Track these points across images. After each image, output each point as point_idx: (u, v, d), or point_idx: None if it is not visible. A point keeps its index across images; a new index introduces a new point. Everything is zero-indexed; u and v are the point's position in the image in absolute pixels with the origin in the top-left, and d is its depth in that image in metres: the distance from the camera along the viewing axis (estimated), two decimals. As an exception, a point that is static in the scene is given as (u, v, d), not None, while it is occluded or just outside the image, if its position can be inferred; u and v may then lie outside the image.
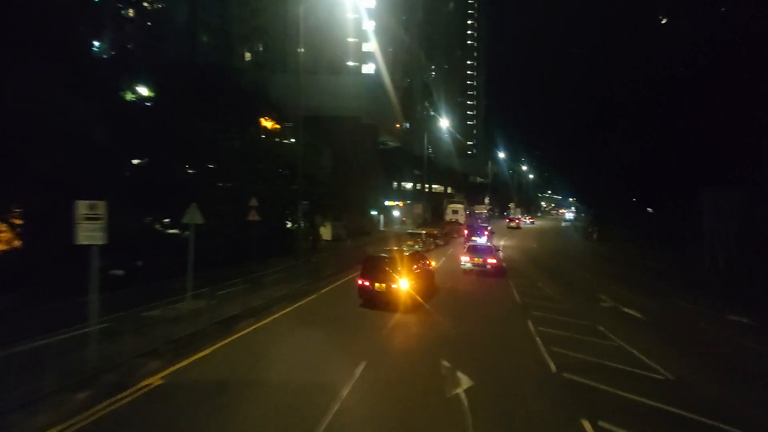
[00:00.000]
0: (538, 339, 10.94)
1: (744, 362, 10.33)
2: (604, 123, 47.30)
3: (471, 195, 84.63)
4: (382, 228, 56.12)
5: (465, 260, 21.04)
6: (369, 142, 49.84)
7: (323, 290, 16.55)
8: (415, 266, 14.35)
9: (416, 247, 25.60)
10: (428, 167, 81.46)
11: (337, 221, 39.58)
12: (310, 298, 15.17)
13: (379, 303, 13.37)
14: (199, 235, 20.92)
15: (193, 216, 12.19)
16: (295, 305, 13.98)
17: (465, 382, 8.12)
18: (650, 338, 11.57)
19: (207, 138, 22.57)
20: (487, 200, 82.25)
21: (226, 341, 10.26)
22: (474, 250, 21.68)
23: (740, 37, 26.77)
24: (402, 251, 14.77)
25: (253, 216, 18.69)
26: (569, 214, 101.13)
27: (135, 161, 21.56)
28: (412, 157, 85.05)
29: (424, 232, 27.41)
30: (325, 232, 36.28)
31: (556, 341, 10.73)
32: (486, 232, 31.29)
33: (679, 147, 33.67)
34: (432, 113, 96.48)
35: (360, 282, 13.72)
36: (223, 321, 11.61)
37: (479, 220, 49.65)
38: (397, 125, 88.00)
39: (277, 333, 11.16)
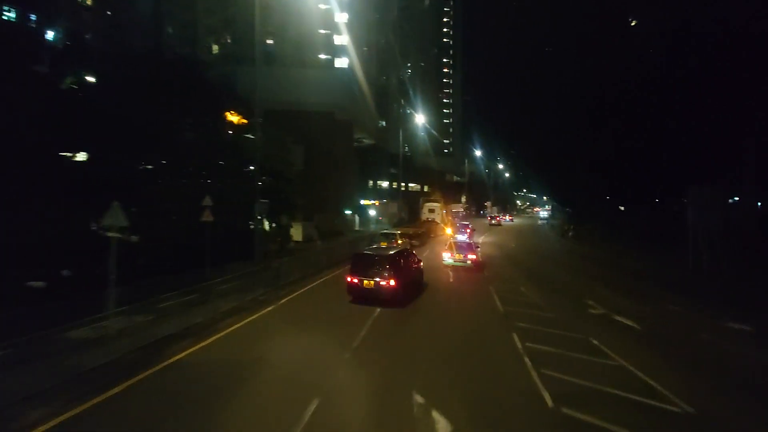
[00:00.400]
0: (526, 359, 9.28)
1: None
2: (583, 120, 46.77)
3: (448, 194, 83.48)
4: (357, 228, 54.37)
5: (446, 256, 22.34)
6: (343, 139, 47.89)
7: (282, 300, 14.56)
8: (404, 264, 14.58)
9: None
10: (405, 165, 79.98)
11: (309, 221, 37.58)
12: (266, 310, 13.19)
13: (367, 299, 13.52)
14: (149, 238, 18.57)
15: (116, 217, 10.08)
16: (246, 320, 11.99)
17: (442, 427, 6.38)
18: (652, 355, 10.08)
19: (160, 130, 20.29)
20: (464, 199, 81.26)
21: (148, 373, 8.20)
22: (455, 247, 22.73)
23: (728, 37, 26.07)
24: (391, 249, 15.28)
25: (207, 216, 16.59)
26: (544, 213, 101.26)
27: (77, 155, 19.21)
28: (389, 156, 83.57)
29: (398, 232, 25.65)
30: (296, 233, 34.23)
31: (547, 361, 9.11)
32: (468, 230, 32.80)
33: (660, 145, 33.06)
34: (408, 111, 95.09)
35: (349, 279, 13.84)
36: (154, 344, 9.55)
37: (459, 218, 49.25)
38: (381, 123, 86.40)
39: (217, 360, 9.16)
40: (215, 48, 53.86)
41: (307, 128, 39.75)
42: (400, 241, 25.21)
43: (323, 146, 41.06)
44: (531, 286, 18.11)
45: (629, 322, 12.58)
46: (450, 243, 23.97)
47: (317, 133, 40.33)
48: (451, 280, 19.28)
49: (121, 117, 18.19)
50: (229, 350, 9.75)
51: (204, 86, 32.81)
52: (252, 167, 25.43)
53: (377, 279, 13.29)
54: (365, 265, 13.75)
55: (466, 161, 79.29)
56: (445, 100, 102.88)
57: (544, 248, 34.21)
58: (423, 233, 32.92)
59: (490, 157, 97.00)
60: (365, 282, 13.41)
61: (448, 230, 35.26)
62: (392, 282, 13.18)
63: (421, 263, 17.48)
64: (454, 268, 21.58)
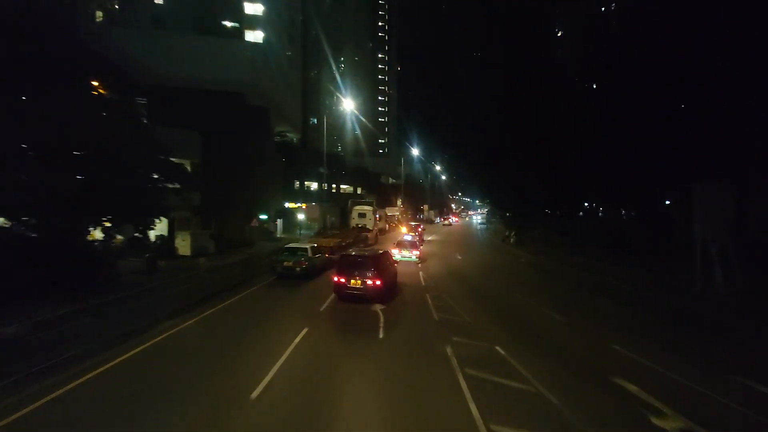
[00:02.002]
0: None
1: None
2: (523, 116, 42.33)
3: (383, 196, 77.35)
4: (280, 235, 46.47)
5: (395, 252, 23.39)
6: (259, 129, 39.44)
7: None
8: (386, 264, 15.17)
9: (297, 269, 16.68)
10: (336, 165, 72.81)
11: (204, 229, 29.04)
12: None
13: (353, 298, 13.81)
14: None
15: None
16: None
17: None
18: None
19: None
20: (399, 202, 75.34)
21: None
22: (402, 245, 25.19)
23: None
24: (375, 252, 15.65)
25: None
26: (478, 217, 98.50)
27: None
28: (320, 155, 75.89)
29: (308, 246, 18.03)
30: (183, 245, 25.68)
31: None
32: (420, 229, 36.55)
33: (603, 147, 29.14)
34: (341, 108, 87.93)
35: (336, 279, 13.98)
36: None
37: (397, 221, 49.23)
38: (312, 120, 78.38)
39: None
40: (99, 14, 43.20)
41: (208, 112, 31.21)
42: (310, 257, 17.88)
43: (231, 136, 32.67)
44: (510, 340, 11.46)
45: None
46: (398, 241, 26.08)
47: (223, 120, 31.91)
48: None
49: None
50: None
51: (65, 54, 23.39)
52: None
53: (364, 279, 13.67)
54: (351, 265, 14.08)
55: (402, 162, 73.44)
56: (380, 98, 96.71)
57: (496, 261, 28.09)
58: (350, 244, 25.52)
59: (427, 158, 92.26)
60: (352, 281, 13.76)
61: (404, 230, 37.74)
62: (378, 282, 13.69)
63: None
64: (401, 263, 22.25)
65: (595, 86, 36.58)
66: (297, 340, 10.09)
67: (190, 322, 11.64)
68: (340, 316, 12.53)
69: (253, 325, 11.47)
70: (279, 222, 49.03)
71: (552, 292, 17.41)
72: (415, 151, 78.45)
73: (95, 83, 26.97)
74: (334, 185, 66.96)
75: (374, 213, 34.31)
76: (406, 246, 24.67)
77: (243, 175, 33.87)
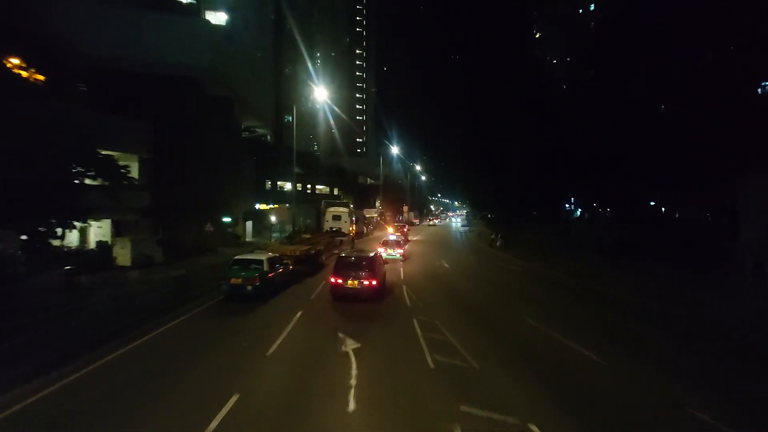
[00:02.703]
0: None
1: None
2: (513, 112, 39.53)
3: (361, 197, 73.65)
4: (249, 239, 42.33)
5: (381, 251, 22.21)
6: (223, 123, 35.26)
7: None
8: (378, 265, 15.44)
9: (248, 288, 12.88)
10: (312, 165, 68.75)
11: (153, 235, 24.86)
12: None
13: (350, 298, 14.05)
14: None
15: None
16: None
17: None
18: None
19: None
20: (378, 203, 71.77)
21: None
22: (387, 243, 26.20)
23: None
24: (368, 254, 15.81)
25: None
26: (457, 219, 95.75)
27: None
28: (298, 154, 71.73)
29: (264, 258, 14.09)
30: (123, 254, 21.49)
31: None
32: (405, 230, 38.12)
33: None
34: (317, 106, 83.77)
35: (333, 280, 14.22)
36: None
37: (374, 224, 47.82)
38: (287, 118, 73.96)
39: None
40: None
41: (162, 100, 26.98)
42: (266, 269, 14.06)
43: (189, 129, 28.53)
44: (531, 393, 8.02)
45: None
46: (384, 240, 27.15)
47: (179, 110, 27.75)
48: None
49: None
50: None
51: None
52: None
53: (360, 279, 14.03)
54: (347, 267, 14.53)
55: (381, 162, 69.85)
56: (357, 95, 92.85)
57: (486, 270, 24.58)
58: (321, 251, 22.03)
59: (407, 158, 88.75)
60: (349, 282, 14.06)
61: (390, 229, 38.54)
62: (374, 282, 14.16)
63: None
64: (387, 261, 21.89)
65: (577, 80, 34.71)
66: (221, 415, 6.35)
67: (52, 388, 7.58)
68: (293, 366, 8.74)
69: (153, 390, 7.52)
70: (249, 225, 44.90)
71: (568, 313, 14.05)
72: (395, 150, 74.83)
73: (15, 61, 22.44)
74: (309, 185, 62.91)
75: (350, 215, 30.59)
76: (392, 245, 26.05)
77: (203, 172, 29.74)
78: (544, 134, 33.80)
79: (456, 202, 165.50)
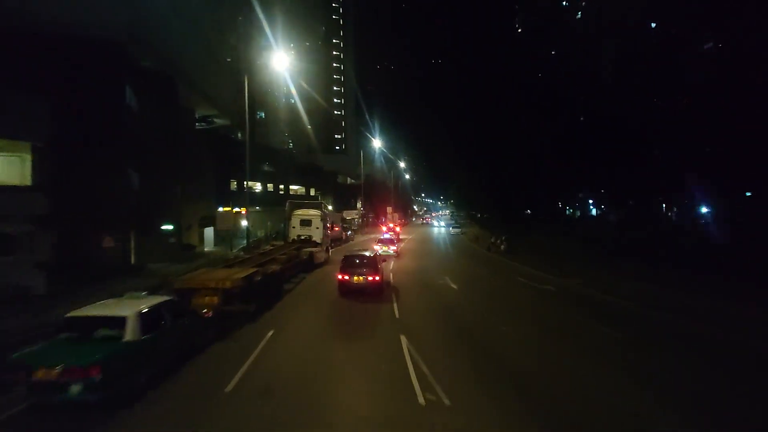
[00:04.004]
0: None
1: None
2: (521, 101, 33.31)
3: (341, 198, 66.54)
4: (211, 248, 35.26)
5: (376, 248, 23.04)
6: (163, 105, 27.77)
7: None
8: (380, 263, 16.34)
9: (74, 388, 5.31)
10: (286, 163, 61.44)
11: (31, 254, 17.29)
12: None
13: (356, 293, 14.64)
14: None
15: None
16: None
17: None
18: None
19: None
20: (359, 204, 64.77)
21: None
22: (382, 241, 28.43)
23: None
24: (369, 253, 16.14)
25: None
26: (440, 220, 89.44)
27: None
28: (266, 150, 64.33)
29: (131, 314, 6.65)
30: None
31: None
32: (398, 228, 41.51)
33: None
34: (292, 101, 76.31)
35: (340, 276, 14.92)
36: None
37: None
38: (260, 114, 66.34)
39: None
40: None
41: (66, 70, 19.56)
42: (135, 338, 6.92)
43: (108, 109, 21.17)
44: None
45: None
46: (380, 238, 29.54)
47: (93, 84, 20.36)
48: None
49: None
50: None
51: None
52: None
53: (365, 276, 14.71)
54: (353, 264, 15.14)
55: (362, 159, 62.68)
56: (335, 88, 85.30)
57: (507, 292, 17.82)
58: (269, 280, 13.03)
59: (391, 156, 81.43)
60: (355, 278, 14.74)
61: (383, 228, 40.99)
62: (377, 277, 14.91)
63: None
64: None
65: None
66: None
67: None
68: None
69: None
70: (209, 232, 37.59)
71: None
72: (377, 143, 67.57)
73: None
74: (282, 186, 55.57)
75: (324, 219, 23.40)
76: (386, 242, 28.04)
77: (129, 168, 22.38)
78: (556, 111, 27.66)
79: (439, 202, 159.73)
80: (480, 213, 57.64)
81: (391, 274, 19.35)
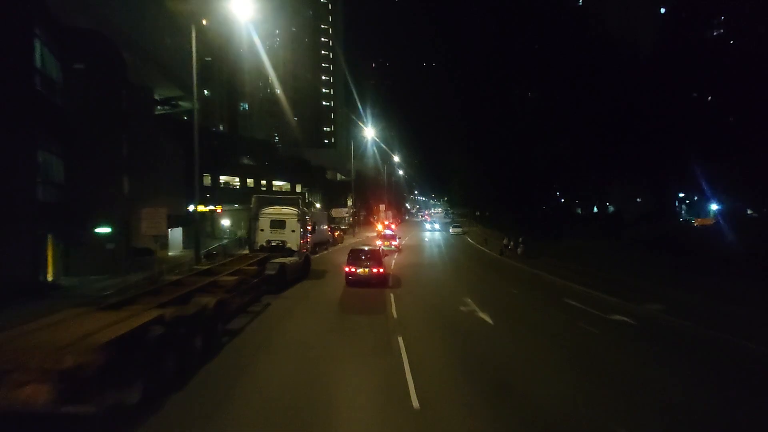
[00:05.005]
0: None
1: None
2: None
3: (330, 195, 60.91)
4: (178, 252, 30.04)
5: (378, 243, 26.15)
6: (103, 76, 22.04)
7: None
8: (383, 257, 17.42)
9: None
10: (269, 156, 55.77)
11: None
12: None
13: (362, 283, 15.40)
14: None
15: None
16: None
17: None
18: None
19: None
20: (350, 202, 59.16)
21: None
22: (384, 237, 30.74)
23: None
24: (373, 248, 18.01)
25: None
26: (433, 219, 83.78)
27: None
28: (250, 143, 58.54)
29: None
30: None
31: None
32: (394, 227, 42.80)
33: None
34: (277, 91, 70.41)
35: (347, 269, 15.76)
36: None
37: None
38: (243, 106, 61.13)
39: None
40: None
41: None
42: None
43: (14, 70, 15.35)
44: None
45: None
46: (381, 234, 33.20)
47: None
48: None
49: None
50: None
51: None
52: None
53: (370, 268, 15.68)
54: (359, 259, 15.99)
55: (352, 153, 56.92)
56: (324, 77, 79.18)
57: (561, 327, 11.93)
58: (172, 345, 6.41)
59: (383, 147, 75.16)
60: (360, 271, 15.64)
61: (380, 226, 43.65)
62: (381, 269, 15.94)
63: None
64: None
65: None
66: None
67: None
68: None
69: None
70: (177, 232, 32.36)
71: None
72: (368, 133, 61.62)
73: None
74: (264, 181, 49.79)
75: (303, 219, 17.62)
76: (388, 238, 30.08)
77: (41, 150, 16.65)
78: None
79: (431, 200, 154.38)
80: (483, 210, 52.48)
81: (392, 296, 13.91)
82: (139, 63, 26.24)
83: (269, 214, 17.20)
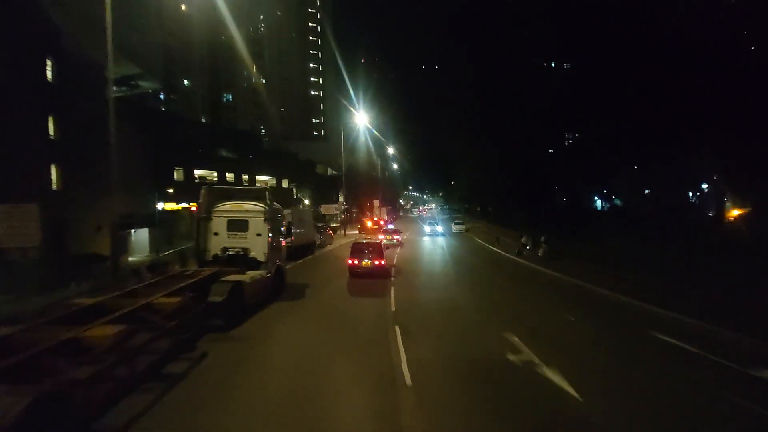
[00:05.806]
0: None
1: None
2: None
3: (321, 190, 56.04)
4: (139, 257, 25.84)
5: (381, 237, 26.68)
6: (24, 44, 17.12)
7: None
8: (383, 250, 18.11)
9: None
10: (251, 148, 50.82)
11: None
12: None
13: (364, 275, 16.38)
14: None
15: None
16: None
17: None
18: None
19: None
20: (341, 197, 54.29)
21: None
22: (386, 231, 32.77)
23: None
24: (374, 241, 19.48)
25: None
26: (429, 222, 78.77)
27: None
28: (230, 134, 53.58)
29: None
30: None
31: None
32: (391, 226, 38.65)
33: None
34: (263, 80, 65.29)
35: (350, 261, 16.79)
36: None
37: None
38: (227, 97, 56.29)
39: None
40: None
41: None
42: None
43: None
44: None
45: None
46: (384, 229, 34.58)
47: None
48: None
49: None
50: None
51: None
52: None
53: (372, 260, 16.62)
54: (361, 251, 16.92)
55: (343, 144, 51.90)
56: (312, 65, 73.83)
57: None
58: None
59: (378, 135, 69.69)
60: (363, 262, 16.59)
61: (381, 222, 45.42)
62: (382, 261, 16.93)
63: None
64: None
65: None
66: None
67: None
68: None
69: None
70: (143, 233, 28.52)
71: None
72: (360, 121, 56.42)
73: None
74: (246, 175, 44.95)
75: (274, 218, 12.58)
76: (390, 233, 31.60)
77: None
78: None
79: (425, 195, 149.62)
80: (489, 205, 48.02)
81: (399, 333, 9.19)
82: (82, 33, 21.24)
83: (226, 212, 12.25)
